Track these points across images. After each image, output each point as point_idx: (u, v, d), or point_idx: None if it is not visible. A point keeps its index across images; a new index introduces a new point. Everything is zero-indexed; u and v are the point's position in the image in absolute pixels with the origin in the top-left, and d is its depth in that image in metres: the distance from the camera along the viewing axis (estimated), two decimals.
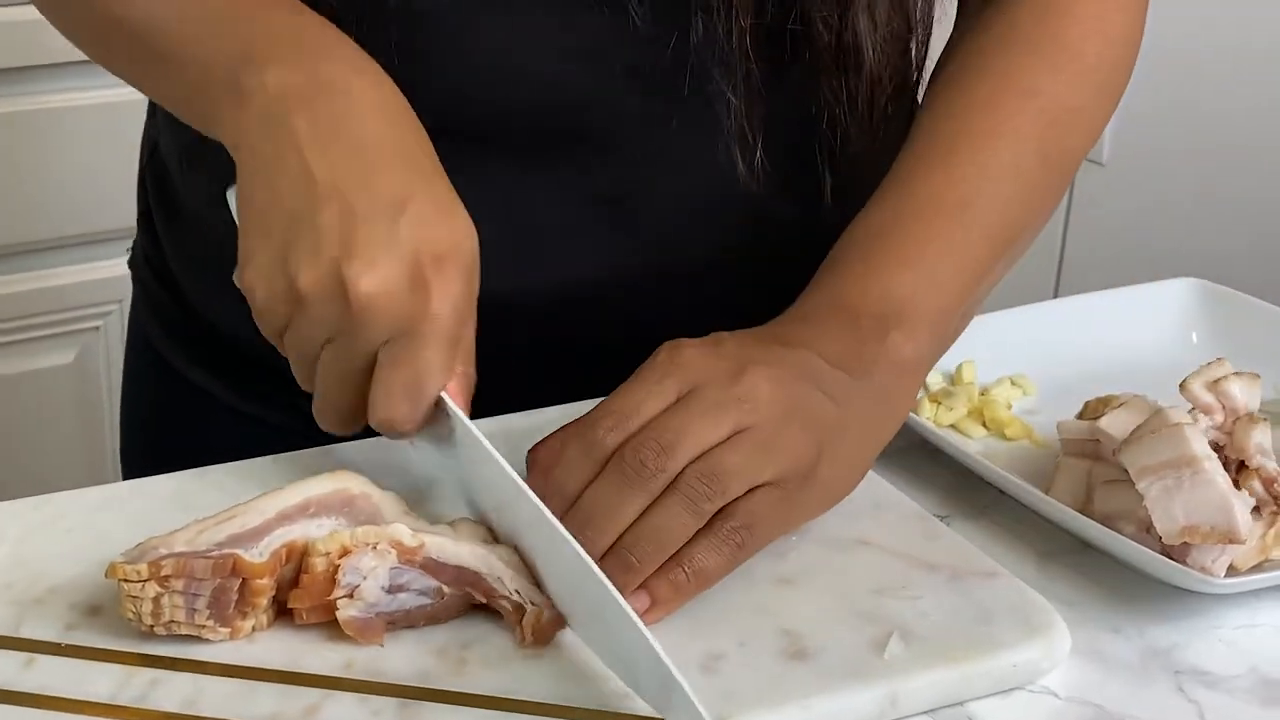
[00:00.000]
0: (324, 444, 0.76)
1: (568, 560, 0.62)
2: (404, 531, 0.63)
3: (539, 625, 0.63)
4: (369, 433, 0.76)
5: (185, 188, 0.89)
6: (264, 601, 0.63)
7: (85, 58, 0.79)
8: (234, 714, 0.60)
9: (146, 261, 0.96)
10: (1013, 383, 0.88)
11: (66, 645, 0.63)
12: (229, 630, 0.63)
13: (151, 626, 0.62)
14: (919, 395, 0.85)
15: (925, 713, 0.63)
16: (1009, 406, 0.86)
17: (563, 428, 0.68)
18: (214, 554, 0.61)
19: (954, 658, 0.64)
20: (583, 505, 0.65)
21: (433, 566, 0.63)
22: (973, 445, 0.83)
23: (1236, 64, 1.87)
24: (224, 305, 0.89)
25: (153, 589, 0.61)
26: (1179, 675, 0.67)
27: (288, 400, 0.89)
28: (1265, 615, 0.71)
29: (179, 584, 0.61)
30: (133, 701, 0.60)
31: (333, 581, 0.63)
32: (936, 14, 0.83)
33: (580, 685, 0.62)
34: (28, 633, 0.64)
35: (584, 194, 0.81)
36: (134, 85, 0.79)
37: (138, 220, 0.98)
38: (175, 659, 0.62)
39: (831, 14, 0.77)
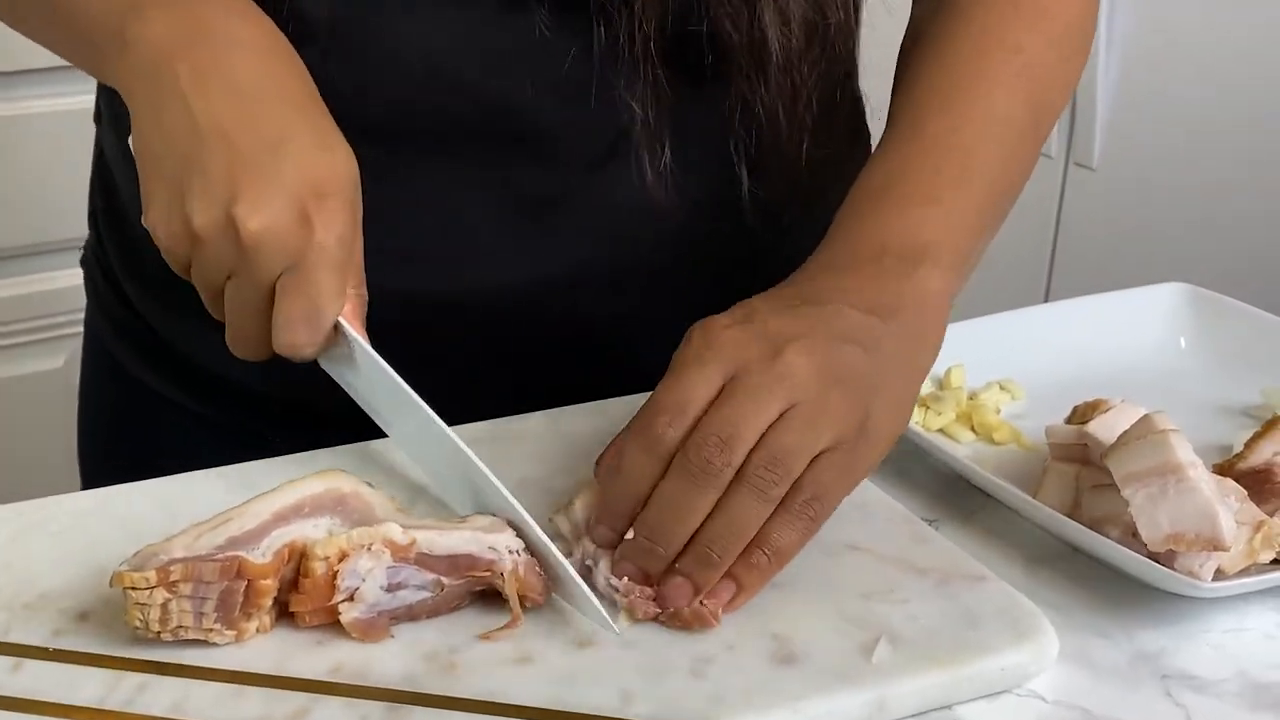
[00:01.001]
0: (303, 448, 0.77)
1: (450, 455, 0.68)
2: (395, 530, 0.64)
3: (521, 579, 0.64)
4: (355, 436, 0.76)
5: (129, 199, 0.90)
6: (268, 602, 0.63)
7: (65, 64, 0.80)
8: (222, 718, 0.60)
9: (96, 261, 0.97)
10: (1001, 387, 0.88)
11: (54, 650, 0.63)
12: (234, 633, 0.63)
13: (159, 633, 0.62)
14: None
15: (913, 716, 0.63)
16: (997, 411, 0.86)
17: (622, 431, 0.69)
18: (220, 557, 0.62)
19: (942, 662, 0.64)
20: (654, 508, 0.66)
21: (427, 560, 0.64)
22: (961, 449, 0.83)
23: (1226, 69, 1.87)
24: (169, 317, 0.89)
25: (161, 595, 0.61)
26: (1166, 679, 0.67)
27: (237, 402, 0.89)
28: (1253, 619, 0.71)
29: (187, 589, 0.61)
30: (120, 706, 0.60)
31: (333, 585, 0.63)
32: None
33: (570, 689, 0.62)
34: (16, 637, 0.64)
35: (515, 197, 0.82)
36: (42, 44, 0.81)
37: (89, 219, 0.98)
38: (163, 663, 0.62)
39: (740, 14, 0.77)
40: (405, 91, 0.79)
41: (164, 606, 0.61)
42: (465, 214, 0.82)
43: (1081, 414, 0.79)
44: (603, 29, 0.77)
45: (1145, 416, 0.73)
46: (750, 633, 0.65)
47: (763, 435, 0.65)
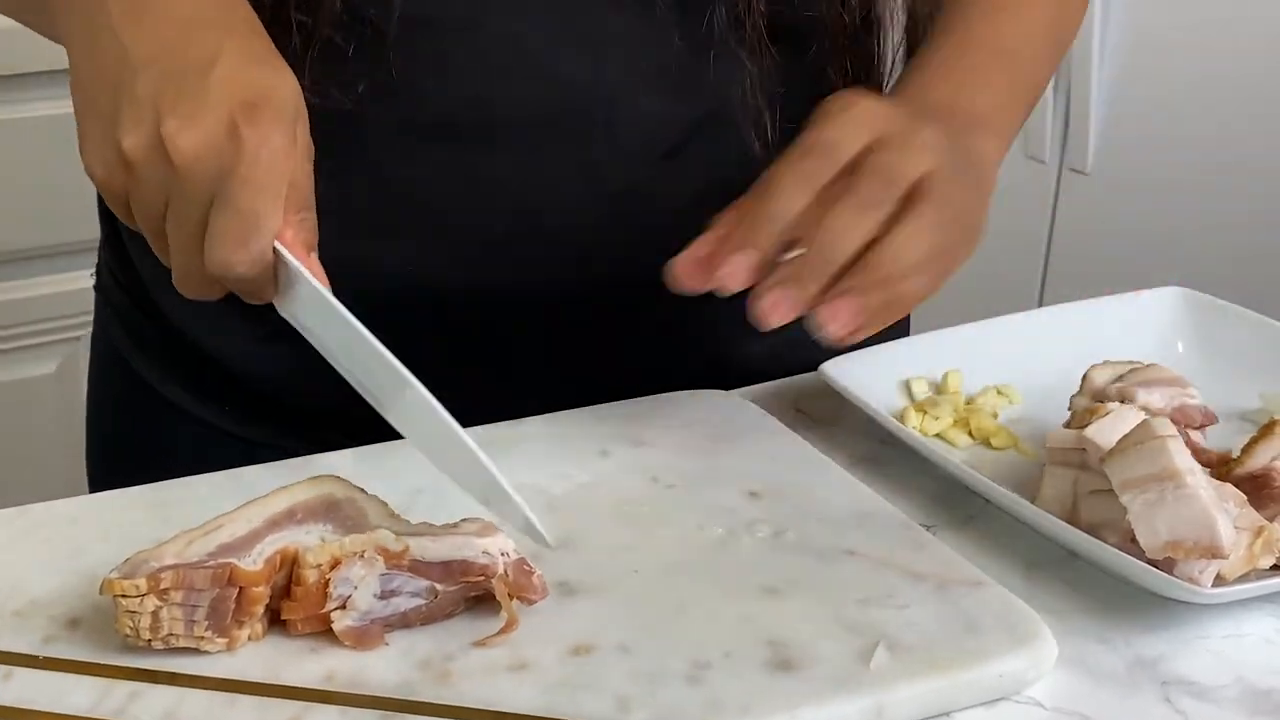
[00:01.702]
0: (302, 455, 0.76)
1: (409, 399, 0.66)
2: (388, 537, 0.63)
3: (511, 581, 0.64)
4: (347, 441, 0.76)
5: None
6: (260, 610, 0.63)
7: (65, 66, 0.80)
8: None
9: (116, 283, 0.96)
10: (999, 392, 0.88)
11: (45, 658, 0.62)
12: (226, 640, 0.62)
13: (149, 641, 0.61)
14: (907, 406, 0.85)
15: None
16: (995, 416, 0.86)
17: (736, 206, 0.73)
18: (211, 564, 0.61)
19: (940, 668, 0.64)
20: (827, 225, 0.69)
21: (420, 567, 0.64)
22: (959, 454, 0.83)
23: (1220, 73, 1.87)
24: (198, 320, 0.89)
25: (151, 602, 0.60)
26: (1166, 685, 0.66)
27: (265, 415, 0.89)
28: (1252, 625, 0.70)
29: (178, 596, 0.61)
30: (112, 714, 0.60)
31: (325, 593, 0.62)
32: None
33: (566, 696, 0.61)
34: (6, 645, 0.63)
35: (599, 187, 0.83)
36: (34, 29, 0.81)
37: (101, 243, 0.98)
38: (155, 671, 0.62)
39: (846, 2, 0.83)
40: (490, 88, 0.79)
41: (155, 614, 0.60)
42: (547, 205, 0.82)
43: (1081, 417, 0.78)
44: (722, 6, 0.80)
45: (1144, 421, 0.72)
46: (747, 639, 0.65)
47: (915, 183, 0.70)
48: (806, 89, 0.83)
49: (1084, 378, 0.83)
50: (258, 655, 0.63)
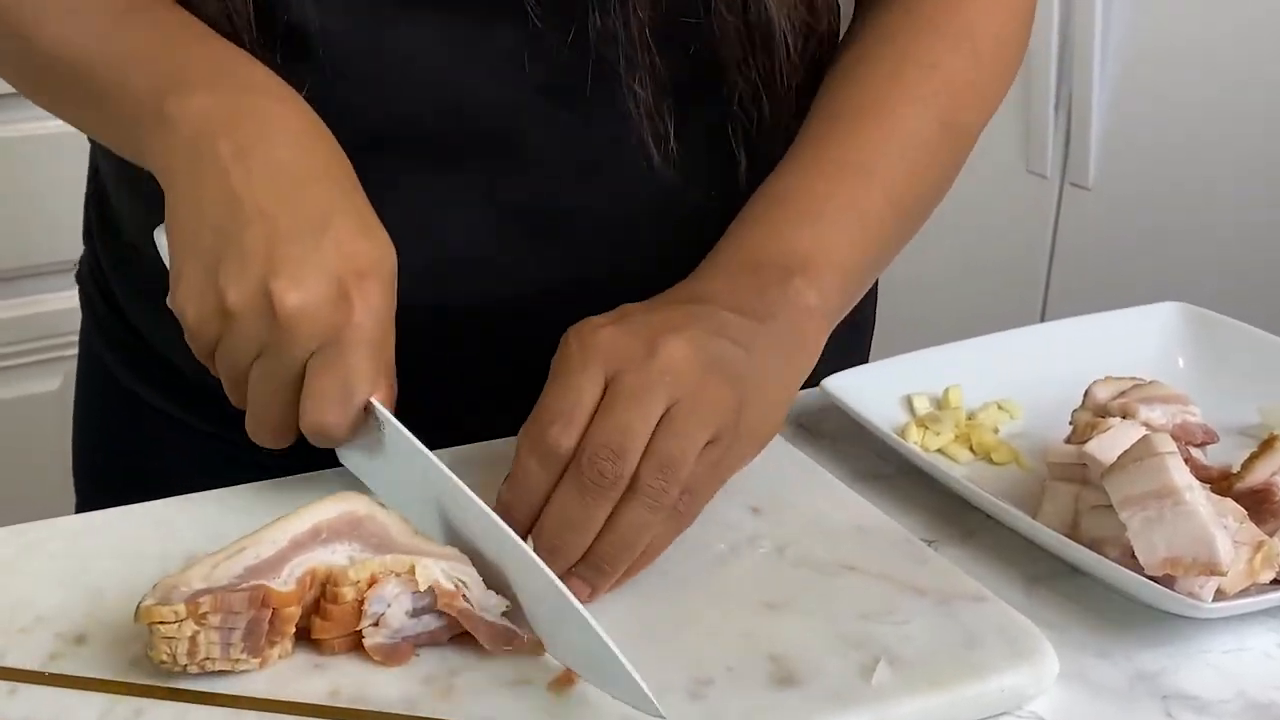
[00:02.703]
0: (297, 464, 0.76)
1: (511, 552, 0.64)
2: (438, 576, 0.63)
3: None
4: (325, 458, 0.76)
5: (121, 211, 0.90)
6: (292, 628, 0.63)
7: None
8: None
9: (91, 277, 0.97)
10: (999, 407, 0.88)
11: (50, 674, 0.63)
12: (259, 660, 0.62)
13: (185, 666, 0.61)
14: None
15: None
16: (996, 431, 0.86)
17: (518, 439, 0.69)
18: (245, 587, 0.61)
19: (941, 682, 0.64)
20: (550, 521, 0.67)
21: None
22: (959, 469, 0.83)
23: (1223, 87, 1.88)
24: (162, 329, 0.89)
25: (190, 628, 0.60)
26: (1166, 700, 0.67)
27: (232, 417, 0.89)
28: (1253, 639, 0.71)
29: (216, 619, 0.60)
30: None
31: (360, 611, 0.63)
32: None
33: (568, 712, 0.62)
34: (12, 661, 0.63)
35: (504, 207, 0.82)
36: (74, 124, 0.81)
37: (84, 235, 0.98)
38: (160, 688, 0.62)
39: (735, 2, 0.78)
40: (396, 104, 0.79)
41: (192, 639, 0.60)
42: (455, 227, 0.82)
43: (1083, 430, 0.79)
44: (598, 17, 0.77)
45: (1144, 437, 0.72)
46: (749, 654, 0.65)
47: (651, 440, 0.66)
48: (708, 99, 0.81)
49: (1086, 393, 0.83)
50: (262, 671, 0.63)
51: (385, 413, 0.68)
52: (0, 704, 0.61)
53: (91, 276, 0.97)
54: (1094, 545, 0.72)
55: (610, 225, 0.84)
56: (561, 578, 0.64)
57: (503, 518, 0.66)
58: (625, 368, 0.67)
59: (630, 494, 0.66)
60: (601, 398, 0.67)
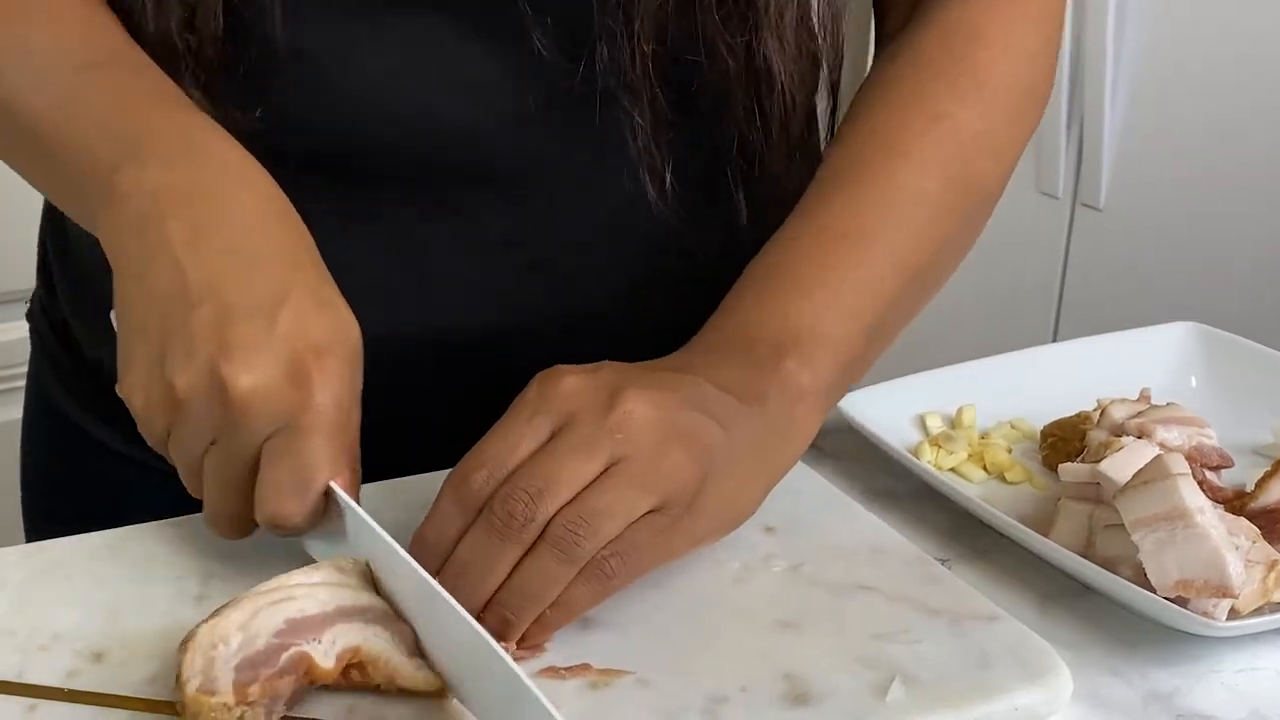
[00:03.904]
0: None
1: (472, 647, 0.60)
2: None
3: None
4: None
5: (83, 243, 0.87)
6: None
7: None
8: None
9: (44, 313, 0.94)
10: (1013, 426, 0.89)
11: (69, 690, 0.63)
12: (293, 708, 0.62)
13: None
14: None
15: None
16: (1009, 450, 0.87)
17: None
18: (288, 664, 0.60)
19: (955, 702, 0.64)
20: (455, 561, 0.64)
21: None
22: (973, 489, 0.83)
23: (1235, 107, 1.88)
24: (113, 354, 0.88)
25: (239, 710, 0.59)
26: (1180, 719, 0.67)
27: None
28: (1266, 659, 0.71)
29: (264, 702, 0.59)
30: None
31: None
32: (846, 34, 0.81)
33: None
34: (31, 678, 0.64)
35: (486, 238, 0.80)
36: (25, 178, 0.76)
37: (36, 271, 0.95)
38: (178, 704, 0.62)
39: (736, 39, 0.75)
40: (369, 128, 0.77)
41: (241, 717, 0.59)
42: (429, 254, 0.80)
43: (1095, 452, 0.79)
44: (604, 47, 0.75)
45: (1157, 458, 0.73)
46: (763, 673, 0.65)
47: (580, 492, 0.63)
48: (706, 141, 0.80)
49: (1102, 412, 0.83)
50: None
51: (346, 499, 0.64)
52: None
53: (44, 313, 0.94)
54: (1108, 564, 0.73)
55: (599, 263, 0.83)
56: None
57: (416, 556, 0.63)
58: (577, 419, 0.64)
59: (540, 541, 0.63)
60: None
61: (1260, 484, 0.78)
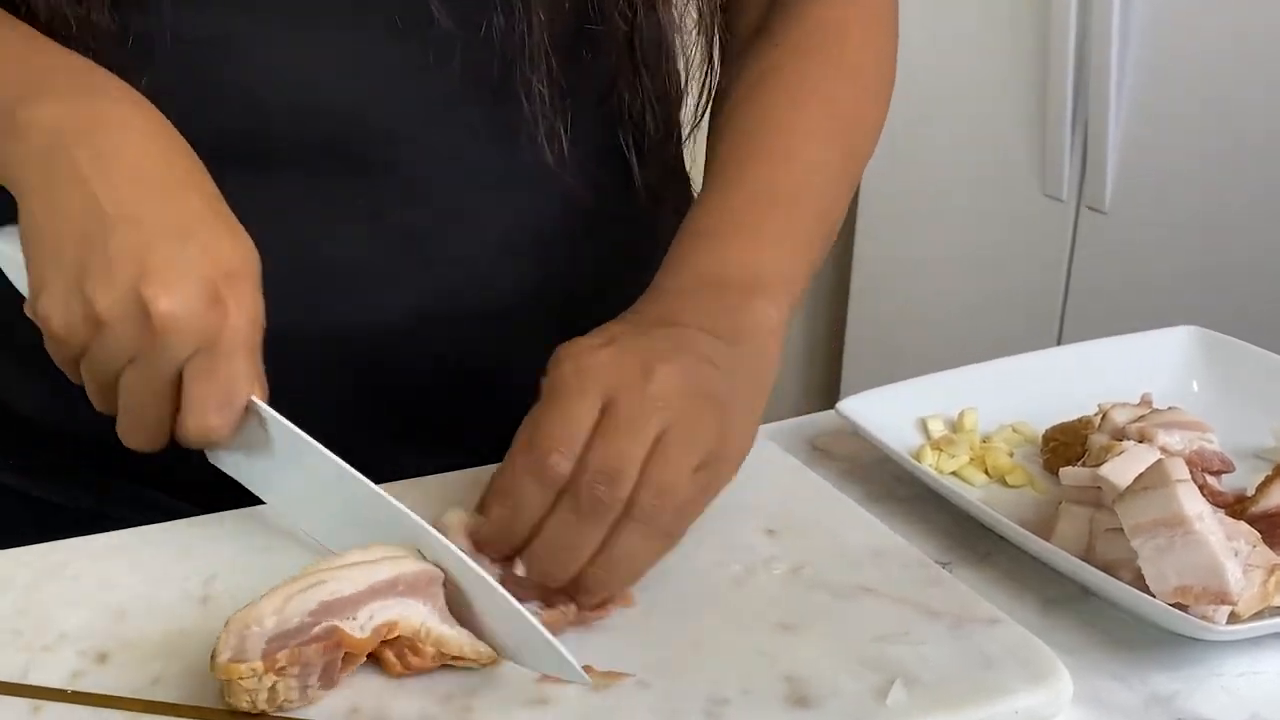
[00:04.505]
0: (138, 516, 0.76)
1: (434, 546, 0.66)
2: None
3: None
4: (198, 501, 0.76)
5: None
6: (361, 659, 0.63)
7: None
8: None
9: None
10: (1014, 430, 0.89)
11: (74, 692, 0.63)
12: (331, 688, 0.63)
13: (264, 711, 0.61)
14: (922, 442, 0.85)
15: None
16: (1011, 454, 0.87)
17: (511, 455, 0.69)
18: (320, 633, 0.61)
19: (956, 705, 0.64)
20: (545, 545, 0.67)
21: None
22: (975, 492, 0.83)
23: (1240, 111, 1.88)
24: (5, 377, 0.87)
25: (269, 679, 0.60)
26: None
27: (82, 476, 0.88)
28: (1266, 662, 0.71)
29: (294, 670, 0.61)
30: None
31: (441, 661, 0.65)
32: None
33: None
34: (35, 679, 0.64)
35: (388, 229, 0.82)
36: None
37: None
38: (183, 705, 0.62)
39: (627, 8, 0.81)
40: (269, 117, 0.79)
41: (272, 688, 0.60)
42: (332, 247, 0.82)
43: (1096, 456, 0.79)
44: (500, 18, 0.78)
45: (1157, 464, 0.73)
46: (765, 675, 0.65)
47: (646, 465, 0.67)
48: (598, 107, 0.85)
49: (1103, 416, 0.83)
50: None
51: (268, 410, 0.69)
52: None
53: None
54: (1108, 568, 0.73)
55: (501, 254, 0.85)
56: (547, 595, 0.68)
57: (496, 537, 0.68)
58: (621, 394, 0.68)
59: (626, 518, 0.67)
60: (598, 421, 0.68)
61: (1261, 488, 0.78)
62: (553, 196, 0.85)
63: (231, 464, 0.72)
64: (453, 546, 0.66)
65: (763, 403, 0.74)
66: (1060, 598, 0.75)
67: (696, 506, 0.70)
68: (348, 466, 0.69)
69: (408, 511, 0.67)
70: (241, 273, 0.68)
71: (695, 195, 0.82)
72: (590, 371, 0.69)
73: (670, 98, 0.89)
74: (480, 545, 0.69)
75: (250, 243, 0.69)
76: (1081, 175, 2.06)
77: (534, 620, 0.64)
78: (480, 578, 0.65)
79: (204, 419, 0.67)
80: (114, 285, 0.65)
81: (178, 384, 0.67)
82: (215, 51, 0.77)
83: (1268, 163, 1.86)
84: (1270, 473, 0.79)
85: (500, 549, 0.68)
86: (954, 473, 0.85)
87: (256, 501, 0.76)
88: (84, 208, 0.66)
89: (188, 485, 0.80)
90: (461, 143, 0.82)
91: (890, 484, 0.85)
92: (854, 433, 0.85)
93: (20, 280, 0.71)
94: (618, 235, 0.90)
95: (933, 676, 0.65)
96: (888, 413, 0.86)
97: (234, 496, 0.74)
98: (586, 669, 0.64)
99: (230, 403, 0.68)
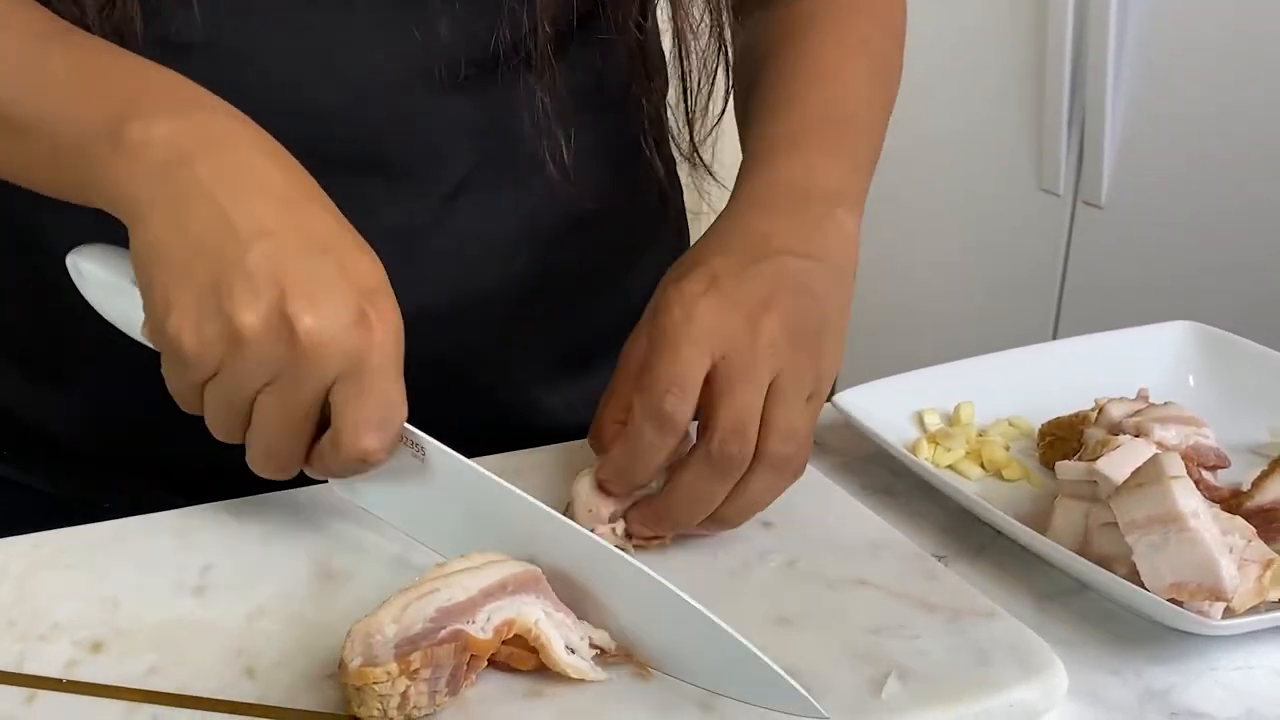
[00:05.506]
0: (126, 507, 0.76)
1: (607, 561, 0.66)
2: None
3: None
4: (182, 492, 0.75)
5: None
6: (483, 665, 0.63)
7: None
8: None
9: None
10: (1011, 424, 0.89)
11: (68, 681, 0.63)
12: (456, 695, 0.63)
13: (393, 718, 0.61)
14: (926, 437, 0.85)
15: None
16: (1007, 448, 0.87)
17: (609, 400, 0.73)
18: (446, 634, 0.61)
19: (952, 698, 0.64)
20: (680, 499, 0.71)
21: None
22: (970, 486, 0.83)
23: (1237, 106, 1.88)
24: None
25: (402, 684, 0.60)
26: (1175, 717, 0.67)
27: (52, 460, 0.88)
28: (1261, 657, 0.71)
29: (426, 673, 0.60)
30: None
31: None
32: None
33: None
34: (30, 669, 0.64)
35: (383, 229, 0.79)
36: None
37: None
38: (178, 695, 0.62)
39: (632, 15, 0.82)
40: (267, 120, 0.75)
41: (404, 694, 0.60)
42: None
43: (1092, 451, 0.79)
44: (506, 23, 0.78)
45: (1152, 459, 0.73)
46: None
47: (766, 411, 0.70)
48: (597, 106, 0.85)
49: (1099, 410, 0.83)
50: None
51: (421, 434, 0.67)
52: (18, 711, 0.62)
53: None
54: (1104, 562, 0.73)
55: (489, 252, 0.85)
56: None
57: (617, 477, 0.72)
58: (733, 346, 0.70)
59: (758, 464, 0.70)
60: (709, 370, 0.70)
61: (1257, 483, 0.78)
62: (552, 198, 0.85)
63: (360, 491, 0.70)
64: (650, 571, 0.65)
65: (848, 318, 0.76)
66: (1055, 592, 0.75)
67: (811, 436, 0.72)
68: (513, 487, 0.68)
69: (579, 529, 0.68)
70: (381, 289, 0.65)
71: (702, 193, 0.84)
72: (699, 320, 0.71)
73: (696, 99, 0.90)
74: (602, 485, 0.72)
75: (378, 259, 0.67)
76: (1078, 170, 2.07)
77: (764, 658, 0.63)
78: (692, 607, 0.65)
79: (360, 441, 0.65)
80: (256, 302, 0.62)
81: (318, 407, 0.65)
82: (208, 54, 0.77)
83: (1264, 158, 1.86)
84: (1266, 467, 0.79)
85: (622, 487, 0.72)
86: (950, 466, 0.85)
87: (251, 493, 0.76)
88: (213, 225, 0.64)
89: (183, 480, 0.80)
90: (458, 143, 0.82)
91: (886, 477, 0.85)
92: (850, 426, 0.85)
93: (104, 300, 0.70)
94: (617, 235, 0.90)
95: (928, 669, 0.65)
96: (884, 406, 0.86)
97: (227, 491, 0.74)
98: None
99: (389, 423, 0.65)
